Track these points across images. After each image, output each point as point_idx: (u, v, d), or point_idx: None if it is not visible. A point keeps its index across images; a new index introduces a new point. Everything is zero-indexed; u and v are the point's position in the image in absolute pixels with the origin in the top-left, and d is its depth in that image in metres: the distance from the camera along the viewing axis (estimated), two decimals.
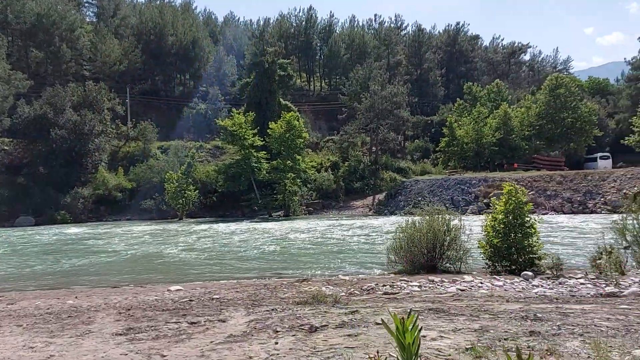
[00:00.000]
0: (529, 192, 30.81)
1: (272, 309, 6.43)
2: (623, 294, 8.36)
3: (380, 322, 5.09)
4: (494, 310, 5.79)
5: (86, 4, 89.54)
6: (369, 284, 10.18)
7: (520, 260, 12.39)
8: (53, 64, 68.39)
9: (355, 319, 5.44)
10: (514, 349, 3.95)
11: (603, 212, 37.65)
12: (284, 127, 51.19)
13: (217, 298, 8.72)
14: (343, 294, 9.01)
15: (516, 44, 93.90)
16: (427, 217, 13.34)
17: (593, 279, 10.48)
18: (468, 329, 4.75)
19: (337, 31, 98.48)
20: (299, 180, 51.88)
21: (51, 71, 68.44)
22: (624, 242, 13.16)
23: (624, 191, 38.78)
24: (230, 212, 52.95)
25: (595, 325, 4.80)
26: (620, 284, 9.60)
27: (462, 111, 64.73)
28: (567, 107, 55.44)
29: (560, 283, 10.15)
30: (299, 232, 29.61)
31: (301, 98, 79.25)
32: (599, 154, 55.92)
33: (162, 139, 64.50)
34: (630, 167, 44.78)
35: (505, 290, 9.43)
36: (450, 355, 3.87)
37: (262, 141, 51.43)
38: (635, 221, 13.29)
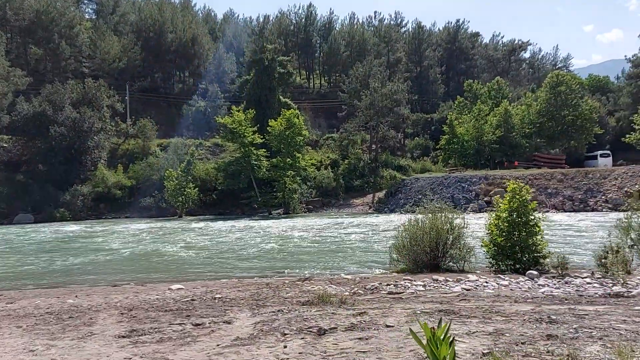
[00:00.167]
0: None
1: (278, 310, 6.29)
2: (632, 293, 8.24)
3: (392, 324, 4.97)
4: (505, 312, 5.66)
5: (85, 1, 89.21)
6: (373, 283, 10.06)
7: (525, 259, 12.29)
8: (52, 61, 68.15)
9: (364, 321, 5.30)
10: (533, 354, 3.84)
11: (604, 210, 37.55)
12: (283, 124, 51.03)
13: (220, 297, 8.60)
14: (347, 293, 8.88)
15: (516, 42, 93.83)
16: (430, 215, 13.21)
17: (599, 278, 10.37)
18: (482, 332, 4.62)
19: (337, 28, 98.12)
20: (298, 178, 51.76)
21: (50, 68, 68.19)
22: (628, 240, 13.06)
23: (625, 189, 38.69)
24: (229, 210, 52.82)
25: (613, 329, 4.67)
26: (627, 284, 9.48)
27: (462, 109, 64.56)
28: (567, 104, 55.28)
29: (566, 282, 10.03)
30: (298, 230, 29.49)
31: (301, 95, 79.04)
32: (600, 152, 55.82)
33: (162, 136, 64.31)
34: (630, 165, 44.69)
35: (511, 290, 9.31)
36: None
37: (261, 139, 51.27)
38: None
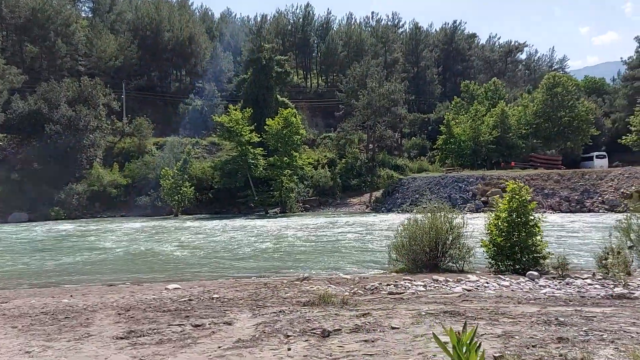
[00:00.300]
0: None
1: (279, 311, 6.15)
2: (634, 295, 8.16)
3: (397, 326, 4.86)
4: (512, 314, 5.56)
5: None
6: (373, 283, 9.95)
7: (524, 259, 12.19)
8: (48, 59, 67.76)
9: (368, 322, 5.18)
10: (546, 358, 3.74)
11: (601, 211, 37.58)
12: (281, 123, 50.91)
13: (217, 297, 8.46)
14: (347, 293, 8.77)
15: (513, 43, 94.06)
16: (430, 215, 13.11)
17: (600, 279, 10.29)
18: (491, 335, 4.50)
19: (335, 28, 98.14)
20: (295, 177, 51.64)
21: (46, 66, 67.79)
22: (628, 241, 13.01)
23: (622, 190, 38.73)
24: (226, 209, 52.65)
25: (624, 332, 4.57)
26: (629, 285, 9.41)
27: (459, 109, 64.59)
28: (564, 105, 55.38)
29: (567, 283, 9.94)
30: (295, 229, 29.36)
31: (298, 95, 78.94)
32: (596, 153, 55.93)
33: (158, 135, 64.10)
34: (627, 166, 44.75)
35: (512, 290, 9.21)
36: None
37: (258, 138, 51.12)
38: None
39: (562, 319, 5.11)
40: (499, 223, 12.53)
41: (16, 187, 50.59)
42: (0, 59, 56.54)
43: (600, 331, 4.60)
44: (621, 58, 75.49)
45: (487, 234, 12.85)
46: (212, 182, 53.43)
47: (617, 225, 13.25)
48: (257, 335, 4.99)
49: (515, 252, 12.23)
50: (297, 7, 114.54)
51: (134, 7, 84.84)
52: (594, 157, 54.69)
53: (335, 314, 5.71)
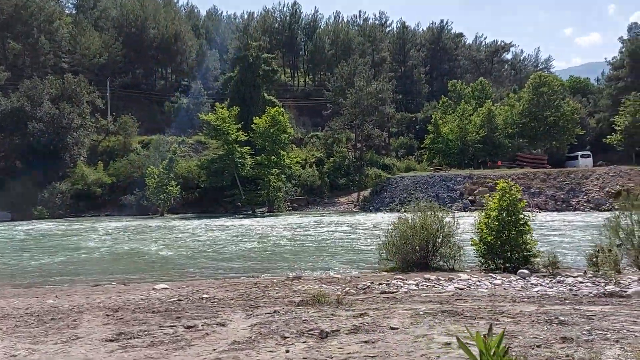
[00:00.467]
0: None
1: (274, 311, 5.97)
2: (627, 293, 8.14)
3: (396, 326, 4.70)
4: (510, 313, 5.45)
5: None
6: (364, 283, 9.82)
7: (515, 257, 12.18)
8: (31, 55, 66.66)
9: (366, 322, 5.02)
10: (553, 359, 3.63)
11: (586, 209, 37.94)
12: (268, 122, 50.64)
13: (207, 297, 8.27)
14: (339, 293, 8.63)
15: (499, 43, 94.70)
16: (420, 214, 13.04)
17: (591, 277, 10.29)
18: (493, 335, 4.38)
19: (322, 27, 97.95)
20: (283, 176, 51.42)
21: (29, 63, 66.69)
22: (617, 240, 13.07)
23: (607, 189, 39.16)
24: (213, 208, 52.23)
25: (627, 331, 4.49)
26: (620, 283, 9.41)
27: (446, 108, 64.82)
28: (550, 105, 55.86)
29: (558, 282, 9.92)
30: (283, 228, 29.18)
31: (285, 93, 78.64)
32: (580, 153, 56.48)
33: (143, 133, 63.42)
34: (610, 165, 45.27)
35: (504, 289, 9.15)
36: None
37: (246, 136, 50.79)
38: (628, 219, 13.23)
39: (562, 318, 5.02)
40: (489, 222, 12.51)
41: None
42: None
43: (602, 330, 4.51)
44: (605, 58, 76.49)
45: (477, 232, 12.83)
46: (198, 181, 52.96)
47: (606, 224, 13.34)
48: (252, 337, 4.80)
49: (506, 250, 12.21)
50: (284, 5, 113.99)
51: (119, 4, 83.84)
52: (579, 157, 55.23)
53: (332, 314, 5.56)
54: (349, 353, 4.00)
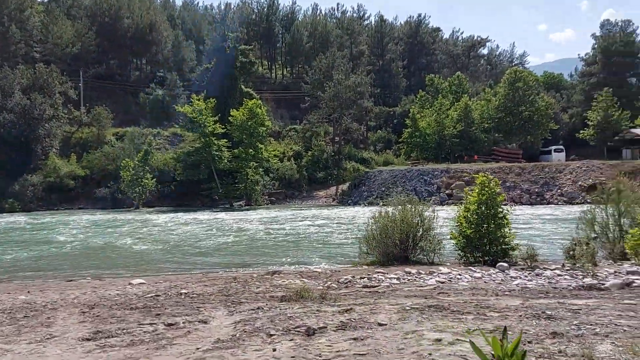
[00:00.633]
0: None
1: (257, 308, 5.81)
2: (605, 285, 8.24)
3: (384, 322, 4.60)
4: (497, 307, 5.42)
5: None
6: (346, 277, 9.76)
7: (493, 250, 12.28)
8: (1, 45, 64.41)
9: (353, 318, 4.92)
10: (545, 355, 3.58)
11: (560, 203, 38.65)
12: (246, 114, 50.18)
13: (186, 293, 8.09)
14: (321, 287, 8.54)
15: (475, 38, 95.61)
16: (400, 207, 13.03)
17: (568, 269, 10.41)
18: (483, 330, 4.32)
19: (300, 19, 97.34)
20: (261, 169, 51.04)
21: None
22: (592, 233, 13.30)
23: (579, 183, 39.94)
24: (189, 202, 51.59)
25: (615, 325, 4.49)
26: (597, 276, 9.53)
27: (424, 103, 65.19)
28: (525, 100, 56.65)
29: (537, 274, 10.01)
30: (261, 222, 28.99)
31: (262, 86, 77.97)
32: (554, 147, 57.48)
33: (117, 125, 62.21)
34: (583, 159, 46.19)
35: (485, 282, 9.19)
36: None
37: (223, 129, 50.22)
38: (603, 213, 13.47)
39: (549, 313, 5.01)
40: (469, 215, 12.57)
41: None
42: None
43: (591, 325, 4.50)
44: (578, 55, 77.97)
45: (456, 225, 12.88)
46: (174, 174, 52.22)
47: (582, 217, 13.55)
48: (237, 335, 4.64)
49: (485, 243, 12.30)
50: None
51: None
52: (552, 151, 56.19)
53: (317, 310, 5.44)
54: (338, 351, 3.89)
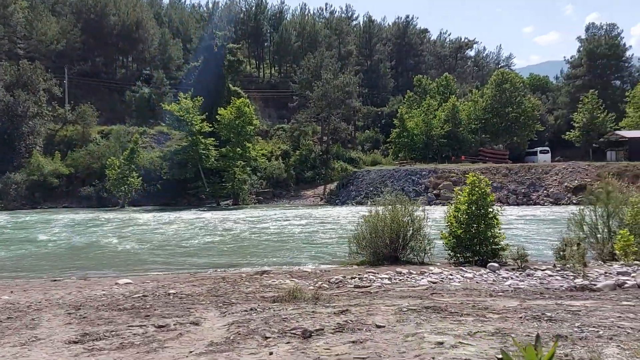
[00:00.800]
0: None
1: (250, 309, 5.64)
2: (597, 286, 8.21)
3: (382, 324, 4.47)
4: (495, 309, 5.33)
5: None
6: (336, 277, 9.64)
7: (483, 250, 12.26)
8: None
9: (350, 320, 4.78)
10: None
11: (546, 204, 38.94)
12: (233, 113, 49.86)
13: (174, 293, 7.90)
14: (312, 287, 8.41)
15: (463, 40, 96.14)
16: (391, 207, 12.95)
17: (559, 270, 10.40)
18: (484, 333, 4.22)
19: (288, 18, 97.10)
20: (248, 168, 50.71)
21: None
22: (581, 233, 13.33)
23: (565, 184, 40.29)
24: (175, 201, 51.13)
25: (617, 327, 4.42)
26: (587, 276, 9.52)
27: (412, 103, 65.33)
28: (511, 102, 57.02)
29: (528, 275, 9.98)
30: (248, 222, 28.77)
31: (250, 85, 77.56)
32: (539, 148, 57.90)
33: (103, 123, 61.47)
34: (568, 161, 46.61)
35: (477, 282, 9.13)
36: None
37: (210, 127, 49.85)
38: (592, 214, 13.52)
39: (549, 314, 4.92)
40: (459, 215, 12.54)
41: None
42: None
43: (593, 327, 4.43)
44: (564, 57, 78.66)
45: (446, 225, 12.84)
46: (160, 173, 51.68)
47: (571, 218, 13.58)
48: (231, 337, 4.47)
49: (475, 243, 12.27)
50: None
51: None
52: (538, 152, 56.59)
53: (312, 312, 5.30)
54: (337, 355, 3.74)
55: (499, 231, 12.37)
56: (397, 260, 12.54)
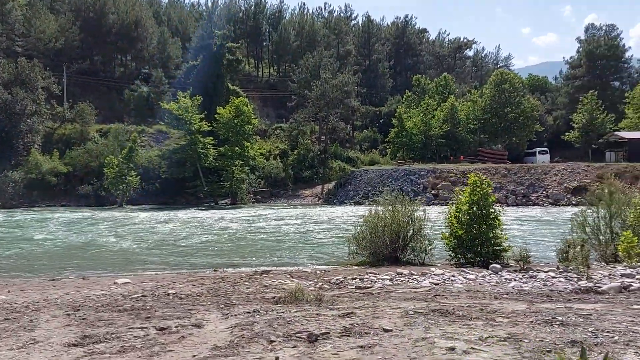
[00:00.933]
0: None
1: (253, 311, 5.52)
2: (602, 289, 8.11)
3: (389, 328, 4.37)
4: (504, 312, 5.21)
5: None
6: (337, 277, 9.52)
7: (485, 252, 12.15)
8: None
9: (356, 323, 4.66)
10: None
11: (545, 204, 38.88)
12: (232, 112, 49.72)
13: (174, 293, 7.78)
14: (312, 288, 8.29)
15: (462, 40, 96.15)
16: (391, 207, 12.84)
17: (562, 272, 10.29)
18: (496, 338, 4.11)
19: (287, 18, 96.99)
20: (247, 167, 50.58)
21: None
22: (583, 235, 13.23)
23: (565, 185, 40.24)
24: (174, 200, 51.00)
25: (632, 332, 4.31)
26: (591, 278, 9.41)
27: (410, 103, 65.28)
28: (511, 102, 57.00)
29: (531, 277, 9.87)
30: (246, 221, 28.65)
31: (249, 84, 77.43)
32: (538, 149, 57.92)
33: (101, 121, 61.28)
34: (567, 161, 46.57)
35: (480, 284, 9.02)
36: None
37: (209, 126, 49.69)
38: (595, 215, 13.42)
39: (561, 319, 4.81)
40: (460, 215, 12.43)
41: None
42: None
43: (608, 332, 4.32)
44: (563, 58, 78.71)
45: (447, 226, 12.72)
46: (159, 172, 51.53)
47: (574, 219, 13.48)
48: (235, 341, 4.34)
49: (476, 244, 12.16)
50: None
51: None
52: (537, 153, 56.61)
53: (317, 314, 5.18)
54: None
55: (500, 232, 12.27)
56: (398, 261, 12.44)
